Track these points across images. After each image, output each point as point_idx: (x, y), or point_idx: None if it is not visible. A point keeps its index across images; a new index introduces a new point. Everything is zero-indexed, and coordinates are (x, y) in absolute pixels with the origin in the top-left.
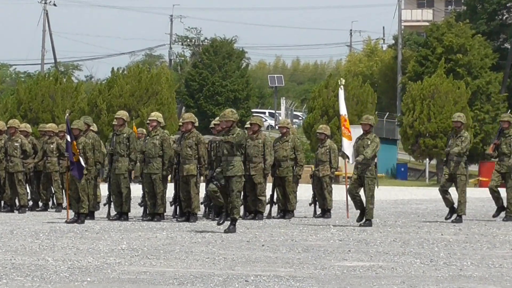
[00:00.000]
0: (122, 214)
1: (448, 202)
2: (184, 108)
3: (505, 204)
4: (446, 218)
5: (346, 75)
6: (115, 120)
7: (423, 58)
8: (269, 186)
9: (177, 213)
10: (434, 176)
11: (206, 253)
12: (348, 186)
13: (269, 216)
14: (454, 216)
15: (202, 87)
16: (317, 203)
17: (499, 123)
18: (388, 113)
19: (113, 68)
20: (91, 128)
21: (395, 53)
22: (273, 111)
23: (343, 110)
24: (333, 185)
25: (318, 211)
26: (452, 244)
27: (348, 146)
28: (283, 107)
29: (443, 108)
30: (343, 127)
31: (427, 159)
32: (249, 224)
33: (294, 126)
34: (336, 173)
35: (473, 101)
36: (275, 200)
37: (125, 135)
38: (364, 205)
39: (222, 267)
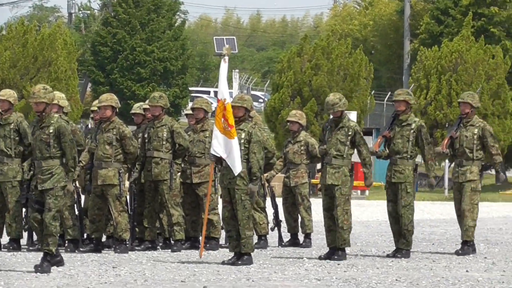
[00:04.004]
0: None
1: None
2: (90, 85)
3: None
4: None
5: (329, 37)
6: None
7: (441, 13)
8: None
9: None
10: None
11: None
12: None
13: None
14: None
15: (116, 54)
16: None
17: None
18: (390, 92)
19: None
20: None
21: (401, 5)
22: None
23: (223, 93)
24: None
25: (287, 236)
26: (481, 285)
27: (221, 146)
28: (235, 84)
29: (470, 85)
30: (222, 119)
31: (447, 161)
32: (185, 256)
33: (255, 111)
34: (313, 181)
35: None
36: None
37: (12, 125)
38: None
39: None
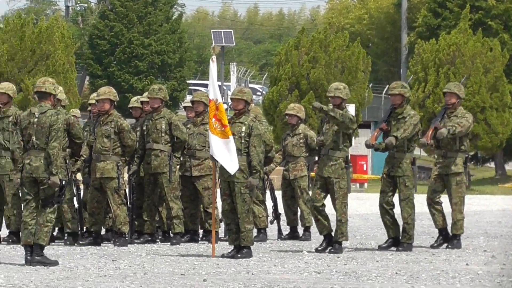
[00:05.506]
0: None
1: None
2: (88, 78)
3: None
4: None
5: (326, 30)
6: None
7: (438, 6)
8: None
9: None
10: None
11: None
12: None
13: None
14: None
15: (114, 47)
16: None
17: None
18: (388, 86)
19: None
20: None
21: None
22: (219, 83)
23: (215, 93)
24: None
25: (287, 230)
26: (481, 278)
27: (219, 148)
28: (233, 77)
29: (468, 79)
30: (214, 119)
31: None
32: (185, 249)
33: (253, 104)
34: (312, 173)
35: None
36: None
37: (11, 118)
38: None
39: None
